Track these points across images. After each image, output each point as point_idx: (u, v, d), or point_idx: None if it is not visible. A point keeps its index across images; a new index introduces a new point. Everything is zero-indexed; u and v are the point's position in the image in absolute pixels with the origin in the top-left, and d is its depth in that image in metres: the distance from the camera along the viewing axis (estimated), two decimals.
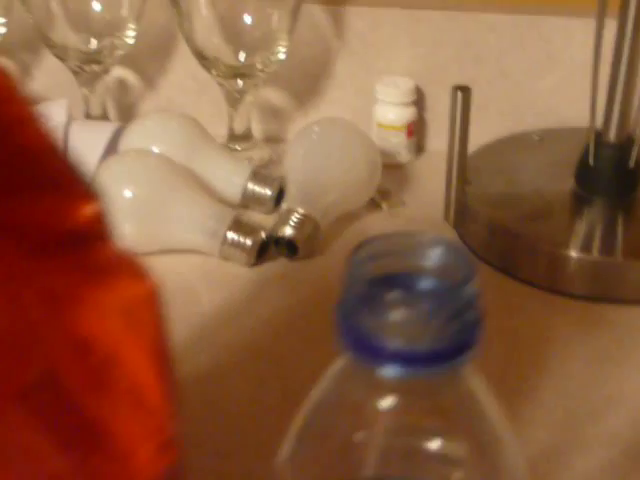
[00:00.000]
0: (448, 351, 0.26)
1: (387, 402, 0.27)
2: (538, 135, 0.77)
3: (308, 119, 0.81)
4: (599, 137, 0.67)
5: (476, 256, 0.68)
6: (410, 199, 0.76)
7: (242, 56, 0.76)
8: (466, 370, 0.28)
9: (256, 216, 0.73)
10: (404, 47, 0.80)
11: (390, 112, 0.79)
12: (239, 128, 0.79)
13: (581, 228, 0.68)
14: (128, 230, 0.67)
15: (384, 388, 0.27)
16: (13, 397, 0.22)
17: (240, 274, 0.67)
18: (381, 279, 0.27)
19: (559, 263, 0.65)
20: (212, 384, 0.57)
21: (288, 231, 0.67)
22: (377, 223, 0.73)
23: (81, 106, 0.80)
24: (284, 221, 0.67)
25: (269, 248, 0.68)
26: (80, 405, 0.22)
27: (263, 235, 0.67)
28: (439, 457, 0.31)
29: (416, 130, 0.81)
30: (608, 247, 0.66)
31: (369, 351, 0.26)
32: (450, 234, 0.71)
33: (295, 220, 0.67)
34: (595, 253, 0.65)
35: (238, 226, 0.66)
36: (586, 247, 0.65)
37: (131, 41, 0.78)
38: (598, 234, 0.68)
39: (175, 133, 0.73)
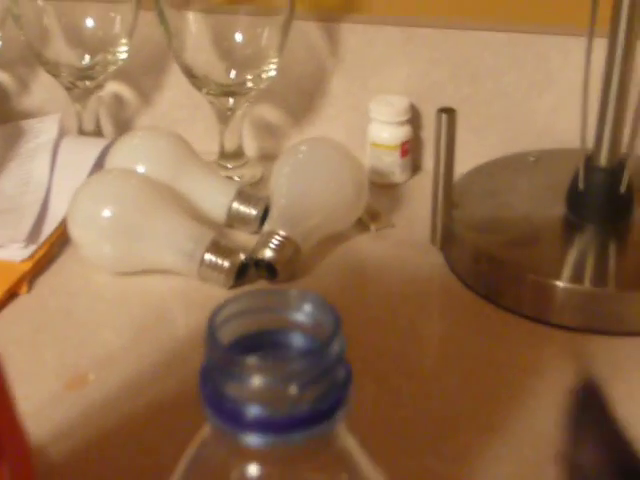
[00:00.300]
0: (314, 415, 0.25)
1: (254, 470, 0.26)
2: (534, 156, 0.75)
3: (303, 136, 0.80)
4: (590, 161, 0.65)
5: (461, 282, 0.67)
6: (400, 220, 0.74)
7: (232, 74, 0.75)
8: (338, 430, 0.26)
9: (241, 236, 0.72)
10: (399, 65, 0.78)
11: (384, 131, 0.78)
12: (230, 146, 0.78)
13: (571, 256, 0.66)
14: (106, 250, 0.66)
15: (249, 456, 0.25)
16: None
17: (218, 296, 0.65)
18: (245, 339, 0.26)
19: (547, 292, 0.62)
20: (176, 412, 0.56)
21: (268, 253, 0.66)
22: (364, 245, 0.72)
23: (75, 121, 0.80)
24: (264, 243, 0.66)
25: (249, 270, 0.67)
26: None
27: (242, 257, 0.66)
28: None
29: (412, 149, 0.79)
30: (600, 277, 0.64)
31: (230, 419, 0.25)
32: (437, 258, 0.69)
33: (275, 242, 0.66)
34: (586, 283, 0.62)
35: (216, 248, 0.65)
36: (576, 277, 0.63)
37: (123, 56, 0.78)
38: (589, 263, 0.65)
39: (162, 151, 0.72)
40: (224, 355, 0.24)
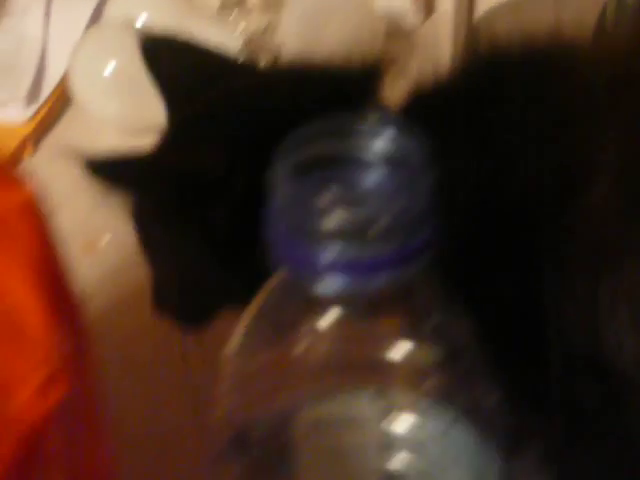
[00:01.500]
0: (397, 257, 0.22)
1: (329, 319, 0.23)
2: None
3: None
4: None
5: None
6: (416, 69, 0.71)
7: None
8: (422, 275, 0.24)
9: None
10: None
11: None
12: None
13: None
14: (112, 109, 0.63)
15: (324, 303, 0.23)
16: None
17: None
18: (316, 172, 0.23)
19: None
20: None
21: None
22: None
23: None
24: None
25: None
26: None
27: None
28: (409, 366, 0.27)
29: None
30: None
31: (302, 263, 0.22)
32: None
33: None
34: None
35: None
36: None
37: None
38: None
39: (160, 1, 0.68)
40: (296, 188, 0.22)
